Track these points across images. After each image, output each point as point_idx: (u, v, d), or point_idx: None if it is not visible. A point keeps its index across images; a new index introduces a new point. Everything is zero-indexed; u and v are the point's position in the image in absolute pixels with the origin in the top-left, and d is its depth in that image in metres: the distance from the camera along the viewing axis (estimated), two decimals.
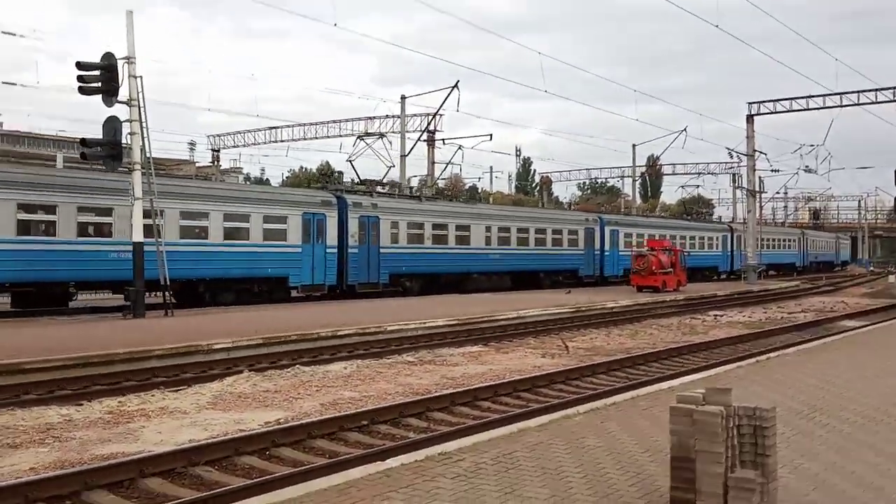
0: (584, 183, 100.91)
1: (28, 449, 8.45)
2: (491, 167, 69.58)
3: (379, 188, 33.71)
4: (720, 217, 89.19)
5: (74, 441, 8.81)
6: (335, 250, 28.57)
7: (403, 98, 43.07)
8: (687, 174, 71.01)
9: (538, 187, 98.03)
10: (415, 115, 44.95)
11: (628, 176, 68.56)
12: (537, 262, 38.61)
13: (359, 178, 34.04)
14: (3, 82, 48.49)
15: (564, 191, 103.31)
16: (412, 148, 43.54)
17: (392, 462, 6.73)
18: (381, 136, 33.20)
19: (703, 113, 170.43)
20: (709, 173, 69.19)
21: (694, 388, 5.71)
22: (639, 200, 73.88)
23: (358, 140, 33.28)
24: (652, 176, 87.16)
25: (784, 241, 67.63)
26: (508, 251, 36.73)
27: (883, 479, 6.14)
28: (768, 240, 61.14)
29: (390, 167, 34.90)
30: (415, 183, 60.71)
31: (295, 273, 27.12)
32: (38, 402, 10.72)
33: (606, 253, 42.74)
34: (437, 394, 11.38)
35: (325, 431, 9.08)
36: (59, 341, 14.65)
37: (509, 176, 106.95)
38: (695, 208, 62.66)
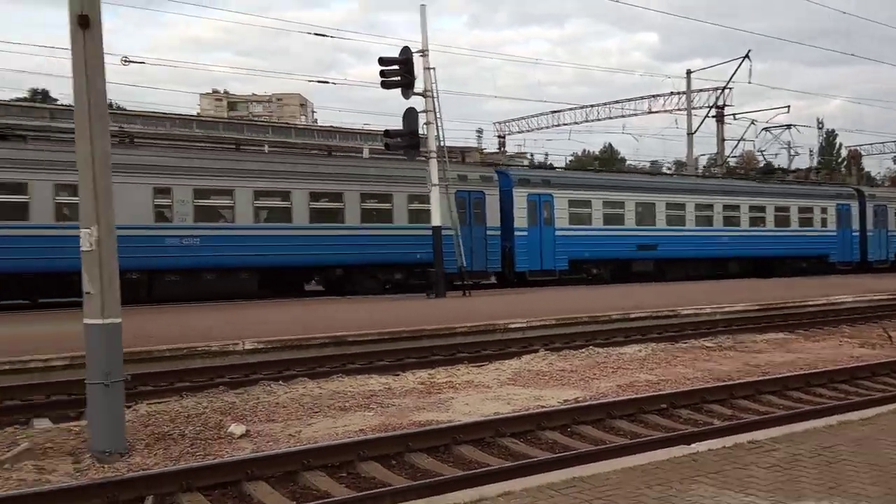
0: None
1: (356, 413, 9.43)
2: (789, 142, 63.95)
3: None
4: None
5: (394, 407, 9.67)
6: None
7: (689, 73, 41.53)
8: None
9: (845, 162, 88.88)
10: (701, 90, 43.00)
11: None
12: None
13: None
14: (319, 81, 53.86)
15: (879, 165, 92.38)
16: (699, 125, 41.82)
17: (698, 446, 6.55)
18: None
19: None
20: None
21: None
22: None
23: None
24: None
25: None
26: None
27: None
28: None
29: None
30: (703, 162, 57.53)
31: None
32: (360, 371, 11.93)
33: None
34: (741, 380, 10.85)
35: (624, 412, 9.06)
36: (370, 318, 16.18)
37: (810, 151, 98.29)
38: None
